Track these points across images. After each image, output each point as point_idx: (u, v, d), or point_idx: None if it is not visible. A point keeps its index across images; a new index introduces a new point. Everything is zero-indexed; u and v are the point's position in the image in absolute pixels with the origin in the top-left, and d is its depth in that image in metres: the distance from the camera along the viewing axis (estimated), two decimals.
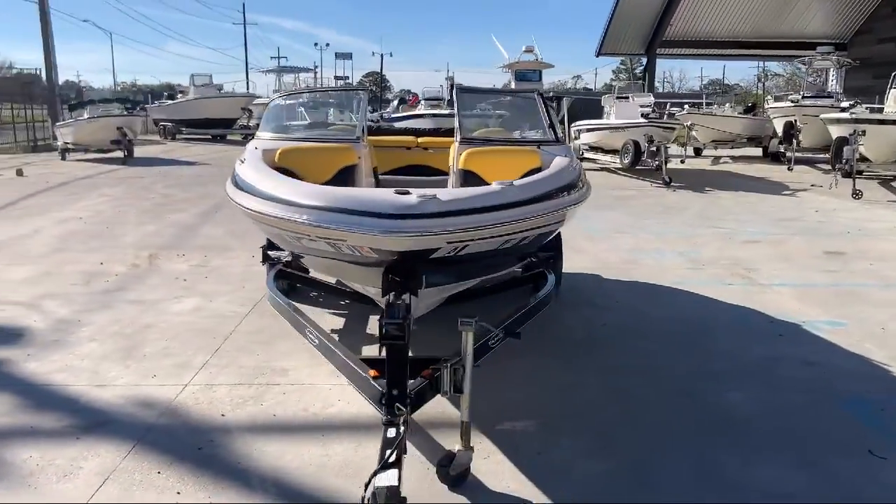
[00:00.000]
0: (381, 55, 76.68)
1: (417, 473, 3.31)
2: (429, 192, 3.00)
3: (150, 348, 4.98)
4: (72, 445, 3.58)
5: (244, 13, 67.55)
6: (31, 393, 4.22)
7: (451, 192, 3.23)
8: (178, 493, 3.14)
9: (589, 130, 19.68)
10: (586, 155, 19.46)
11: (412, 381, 3.21)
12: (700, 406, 4.17)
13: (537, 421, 3.94)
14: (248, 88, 45.36)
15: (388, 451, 2.80)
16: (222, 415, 3.93)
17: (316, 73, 54.65)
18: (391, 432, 2.93)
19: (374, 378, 3.24)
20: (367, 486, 2.70)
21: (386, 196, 2.94)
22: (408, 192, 2.94)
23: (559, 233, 5.74)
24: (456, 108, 4.95)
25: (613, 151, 18.36)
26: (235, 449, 3.55)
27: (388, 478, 2.67)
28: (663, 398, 4.26)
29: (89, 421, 3.86)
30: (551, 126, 4.95)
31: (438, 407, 3.83)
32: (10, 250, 8.45)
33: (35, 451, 3.51)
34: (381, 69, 79.14)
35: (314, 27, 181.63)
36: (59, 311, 5.87)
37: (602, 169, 18.98)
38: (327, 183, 4.09)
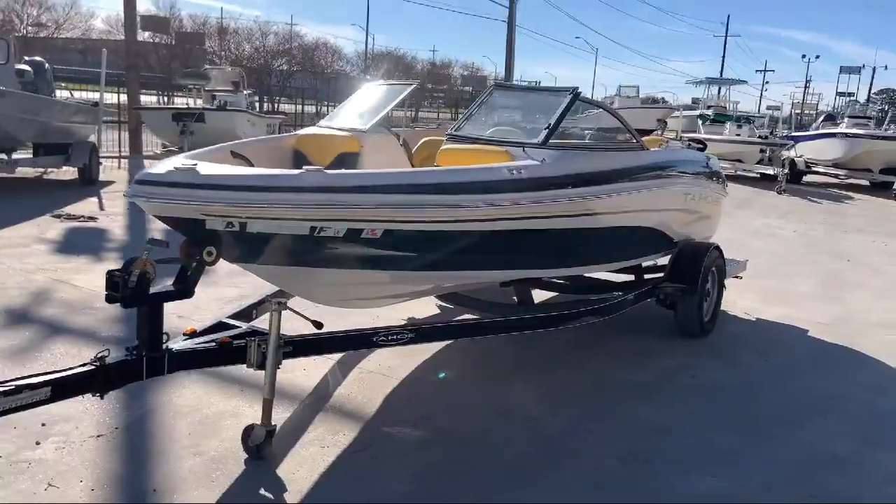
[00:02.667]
0: None
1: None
2: (207, 166, 3.24)
3: None
4: None
5: (727, 24, 65.51)
6: None
7: (223, 168, 3.33)
8: None
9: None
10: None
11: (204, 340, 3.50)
12: None
13: None
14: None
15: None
16: None
17: (807, 86, 50.04)
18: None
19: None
20: None
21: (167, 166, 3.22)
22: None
23: (703, 262, 5.33)
24: (475, 105, 4.78)
25: None
26: None
27: None
28: None
29: None
30: (549, 128, 4.39)
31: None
32: None
33: None
34: None
35: (830, 38, 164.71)
36: None
37: None
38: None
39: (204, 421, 3.85)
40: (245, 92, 18.37)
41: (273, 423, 3.48)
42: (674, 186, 5.46)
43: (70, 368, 3.01)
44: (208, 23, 56.73)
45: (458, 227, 3.73)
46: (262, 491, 3.23)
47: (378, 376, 4.63)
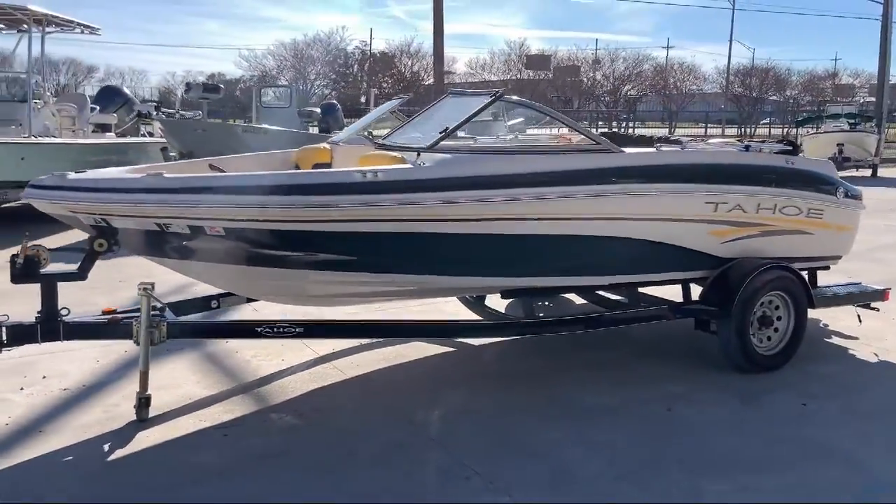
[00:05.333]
0: None
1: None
2: (89, 173, 4.03)
3: None
4: None
5: None
6: None
7: (100, 173, 4.00)
8: None
9: None
10: None
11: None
12: None
13: None
14: None
15: None
16: None
17: None
18: None
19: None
20: None
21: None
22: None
23: (743, 282, 4.77)
24: (421, 111, 4.74)
25: None
26: None
27: None
28: None
29: None
30: (444, 131, 4.24)
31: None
32: None
33: None
34: None
35: None
36: None
37: None
38: None
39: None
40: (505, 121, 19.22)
41: (148, 392, 4.08)
42: (687, 193, 4.76)
43: None
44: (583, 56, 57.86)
45: (315, 227, 3.93)
46: (106, 444, 3.84)
47: (335, 371, 4.94)
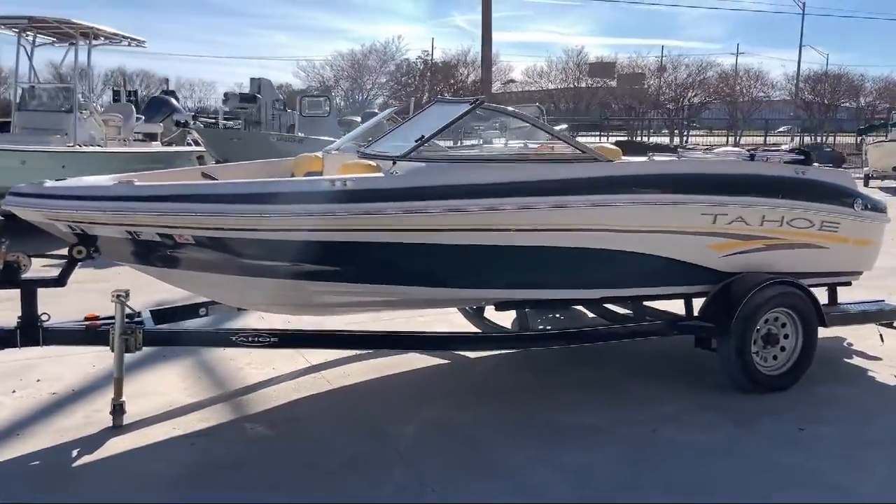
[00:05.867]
0: None
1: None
2: (68, 181, 4.09)
3: None
4: None
5: None
6: None
7: (74, 182, 4.05)
8: None
9: None
10: None
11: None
12: None
13: None
14: None
15: None
16: None
17: None
18: None
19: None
20: None
21: None
22: None
23: (743, 298, 4.56)
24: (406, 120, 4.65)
25: None
26: None
27: None
28: None
29: None
30: (419, 140, 4.15)
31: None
32: None
33: None
34: None
35: None
36: None
37: None
38: None
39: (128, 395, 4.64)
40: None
41: (122, 399, 4.11)
42: (681, 204, 4.56)
43: None
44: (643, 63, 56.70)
45: (283, 236, 3.91)
46: (75, 450, 3.87)
47: (322, 381, 4.91)
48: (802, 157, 5.12)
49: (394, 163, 4.11)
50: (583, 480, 3.61)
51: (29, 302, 4.08)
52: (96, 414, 4.29)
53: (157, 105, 14.45)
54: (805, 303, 4.82)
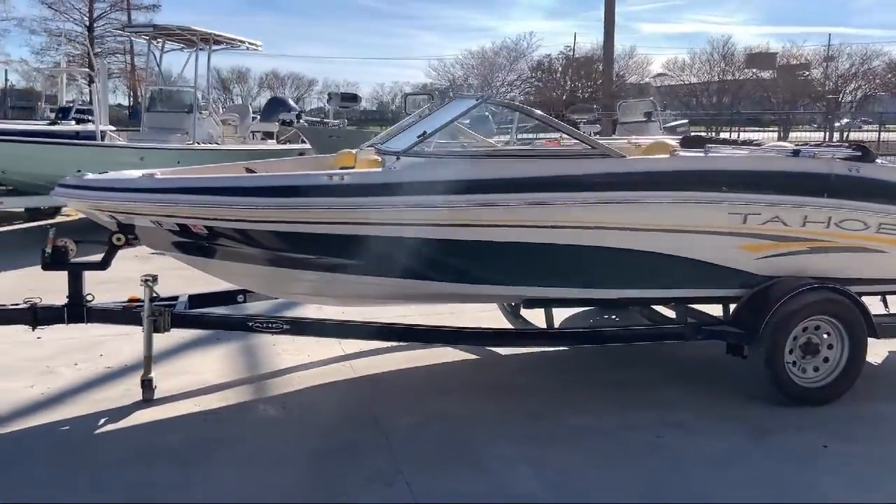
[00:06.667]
0: None
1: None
2: (108, 174, 4.50)
3: None
4: None
5: None
6: None
7: (115, 175, 4.41)
8: None
9: None
10: None
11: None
12: None
13: None
14: None
15: None
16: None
17: None
18: None
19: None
20: None
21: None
22: None
23: (775, 304, 4.30)
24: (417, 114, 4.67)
25: None
26: None
27: None
28: None
29: None
30: (421, 135, 4.17)
31: None
32: None
33: None
34: None
35: None
36: None
37: None
38: None
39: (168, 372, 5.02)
40: (660, 122, 18.09)
41: (150, 375, 4.47)
42: (705, 203, 4.33)
43: (13, 305, 4.57)
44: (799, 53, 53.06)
45: (286, 227, 4.10)
46: (103, 419, 4.26)
47: (348, 370, 5.09)
48: (859, 154, 4.70)
49: (397, 158, 4.20)
50: (557, 480, 3.56)
51: (75, 283, 4.52)
52: (135, 388, 4.66)
53: (274, 105, 15.43)
54: (850, 311, 4.45)
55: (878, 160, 4.86)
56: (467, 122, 5.17)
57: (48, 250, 4.43)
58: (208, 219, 4.07)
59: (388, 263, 4.23)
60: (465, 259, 4.24)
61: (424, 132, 4.23)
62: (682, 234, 4.35)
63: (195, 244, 4.39)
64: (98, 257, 4.49)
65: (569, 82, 51.56)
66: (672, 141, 5.40)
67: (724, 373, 4.94)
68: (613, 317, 6.10)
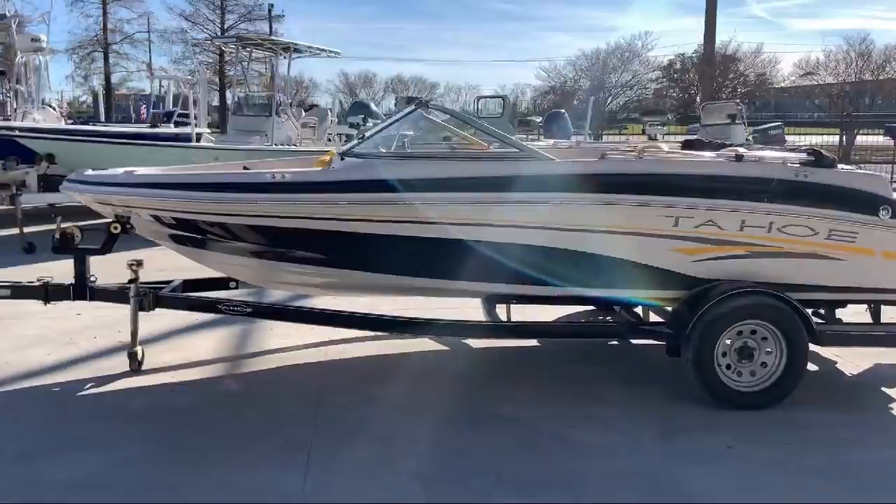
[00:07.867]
0: None
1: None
2: (107, 171, 5.15)
3: None
4: None
5: None
6: None
7: (107, 171, 5.04)
8: None
9: None
10: None
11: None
12: None
13: None
14: None
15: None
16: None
17: None
18: None
19: None
20: None
21: None
22: None
23: (704, 306, 4.36)
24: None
25: None
26: None
27: None
28: None
29: None
30: (362, 138, 4.49)
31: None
32: None
33: None
34: None
35: None
36: None
37: None
38: None
39: (168, 348, 5.63)
40: (745, 124, 17.26)
41: (136, 348, 5.08)
42: (634, 206, 4.43)
43: (27, 282, 5.31)
44: None
45: (236, 220, 4.59)
46: (91, 384, 4.90)
47: (319, 354, 5.54)
48: (812, 158, 4.63)
49: (342, 158, 4.60)
50: (443, 460, 3.82)
51: (80, 265, 5.21)
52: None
53: (357, 109, 16.28)
54: (788, 317, 4.41)
55: (839, 166, 4.76)
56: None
57: (57, 237, 5.14)
58: (169, 210, 4.62)
59: (332, 256, 4.63)
60: (399, 253, 4.57)
61: (363, 135, 4.61)
62: (613, 236, 4.48)
63: (178, 236, 4.95)
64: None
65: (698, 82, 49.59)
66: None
67: (679, 375, 4.97)
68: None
